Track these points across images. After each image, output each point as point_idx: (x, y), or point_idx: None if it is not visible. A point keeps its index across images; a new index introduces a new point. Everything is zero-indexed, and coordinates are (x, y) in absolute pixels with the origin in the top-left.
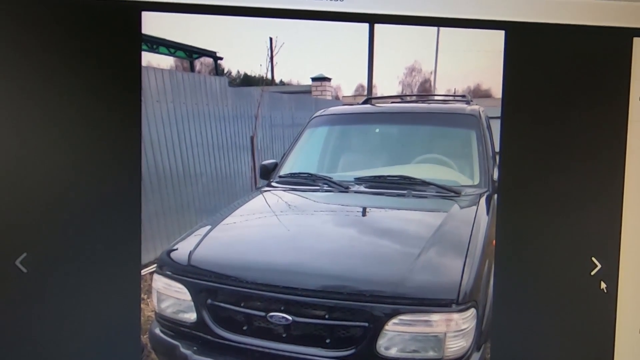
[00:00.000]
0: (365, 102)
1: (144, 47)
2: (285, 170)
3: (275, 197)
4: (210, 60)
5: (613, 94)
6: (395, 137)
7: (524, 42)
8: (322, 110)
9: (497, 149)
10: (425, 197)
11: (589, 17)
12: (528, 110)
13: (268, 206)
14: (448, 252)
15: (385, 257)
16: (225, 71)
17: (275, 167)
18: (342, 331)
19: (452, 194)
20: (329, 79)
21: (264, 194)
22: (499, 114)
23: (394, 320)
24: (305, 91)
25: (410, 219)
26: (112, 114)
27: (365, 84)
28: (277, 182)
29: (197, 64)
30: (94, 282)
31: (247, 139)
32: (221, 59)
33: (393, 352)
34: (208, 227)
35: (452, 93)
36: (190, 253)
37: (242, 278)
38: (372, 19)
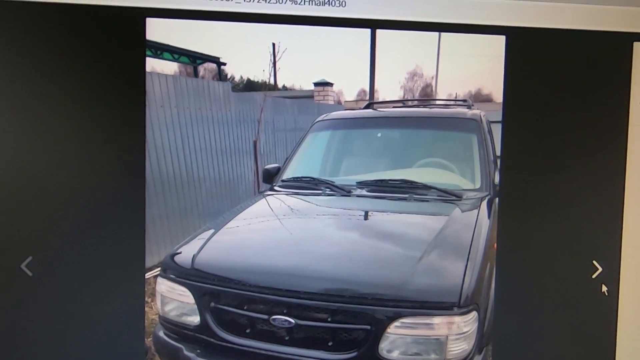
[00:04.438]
0: (367, 107)
1: (148, 53)
2: (287, 174)
3: (278, 201)
4: (214, 65)
5: (614, 98)
6: (396, 142)
7: (525, 47)
8: (325, 115)
9: (498, 153)
10: (427, 201)
11: (590, 22)
12: (529, 114)
13: (271, 210)
14: (449, 256)
15: (387, 261)
16: (228, 76)
17: (278, 171)
18: (344, 334)
19: (454, 197)
20: (331, 84)
21: (267, 197)
22: (500, 118)
23: (396, 323)
24: (308, 96)
25: (412, 222)
26: (116, 118)
27: (367, 88)
28: (279, 186)
29: (201, 69)
30: (98, 286)
31: (250, 143)
32: (224, 64)
33: (395, 355)
34: (211, 231)
35: (453, 97)
36: (194, 256)
37: (245, 281)
38: (374, 25)
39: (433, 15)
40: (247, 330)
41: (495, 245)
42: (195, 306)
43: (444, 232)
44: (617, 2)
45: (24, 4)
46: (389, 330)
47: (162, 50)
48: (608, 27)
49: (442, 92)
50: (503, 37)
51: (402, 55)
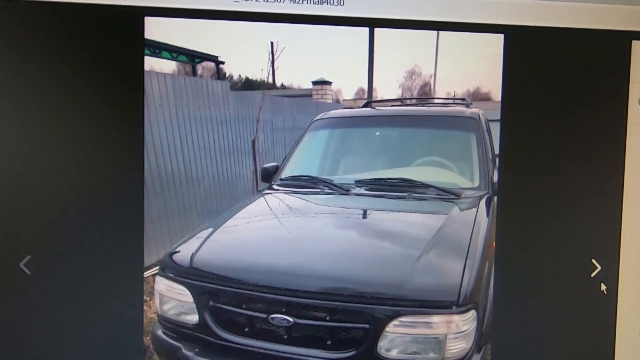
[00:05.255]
0: (365, 106)
1: (146, 51)
2: (286, 173)
3: (277, 200)
4: (212, 64)
5: (612, 97)
6: (395, 140)
7: (523, 46)
8: (323, 114)
9: (496, 151)
10: (426, 200)
11: (588, 21)
12: (527, 113)
13: (269, 209)
14: (448, 254)
15: (386, 259)
16: (226, 75)
17: (276, 170)
18: (343, 333)
19: (452, 196)
20: (329, 83)
21: (266, 196)
22: (498, 117)
23: (395, 322)
24: (306, 95)
25: (411, 221)
26: (115, 117)
27: (366, 87)
28: (278, 185)
29: (199, 68)
30: (97, 284)
31: (248, 142)
32: (223, 63)
33: (394, 353)
34: (210, 230)
35: (451, 96)
36: (193, 255)
37: (243, 280)
38: (372, 23)
39: (431, 14)
40: (246, 329)
41: (494, 243)
42: (194, 305)
43: (442, 230)
44: (615, 1)
45: (22, 2)
46: (387, 329)
47: (161, 49)
48: (606, 25)
49: (441, 91)
50: (501, 36)
51: (400, 54)
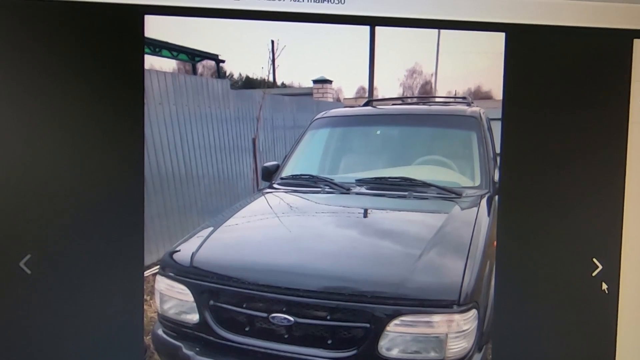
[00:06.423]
0: (366, 104)
1: (146, 50)
2: (287, 172)
3: (277, 199)
4: (213, 63)
5: (613, 96)
6: (396, 139)
7: (525, 44)
8: (324, 113)
9: (497, 150)
10: (426, 199)
11: (590, 19)
12: (529, 111)
13: (270, 208)
14: (449, 253)
15: (387, 258)
16: (227, 74)
17: (277, 169)
18: (343, 332)
19: (453, 195)
20: (330, 81)
21: (266, 195)
22: (499, 116)
23: (396, 321)
24: (307, 93)
25: (412, 220)
26: (115, 116)
27: (366, 86)
28: (278, 184)
29: (200, 66)
30: (97, 284)
31: (249, 141)
32: (223, 61)
33: (394, 352)
34: (210, 229)
35: (452, 95)
36: (193, 254)
37: (244, 279)
38: (373, 22)
39: (432, 13)
40: (247, 329)
41: (495, 242)
42: (194, 304)
43: (443, 229)
44: None
45: (22, 1)
46: (388, 328)
47: (161, 48)
48: (608, 24)
49: (442, 90)
50: (503, 34)
51: (401, 52)
